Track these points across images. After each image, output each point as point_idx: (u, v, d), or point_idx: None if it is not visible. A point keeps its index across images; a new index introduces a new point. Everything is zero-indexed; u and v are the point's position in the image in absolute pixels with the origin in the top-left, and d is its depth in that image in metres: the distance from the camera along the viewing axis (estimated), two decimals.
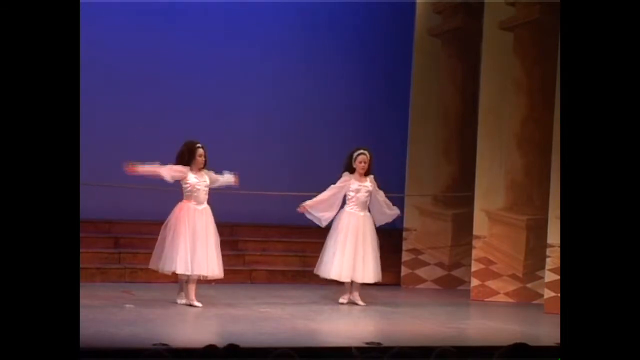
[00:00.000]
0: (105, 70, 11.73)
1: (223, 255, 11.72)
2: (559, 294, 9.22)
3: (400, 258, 11.86)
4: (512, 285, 10.93)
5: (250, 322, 8.74)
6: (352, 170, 10.10)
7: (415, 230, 11.86)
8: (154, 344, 7.08)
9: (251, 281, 11.52)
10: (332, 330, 8.54)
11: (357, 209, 10.08)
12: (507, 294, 10.90)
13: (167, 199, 11.66)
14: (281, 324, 8.72)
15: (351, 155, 10.12)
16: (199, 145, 9.61)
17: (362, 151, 10.10)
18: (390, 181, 12.58)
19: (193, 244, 9.43)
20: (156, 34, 12.08)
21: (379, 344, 7.51)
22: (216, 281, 11.30)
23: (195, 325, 8.49)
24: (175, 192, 11.82)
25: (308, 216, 10.14)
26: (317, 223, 10.18)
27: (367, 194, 10.07)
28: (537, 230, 10.68)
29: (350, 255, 9.98)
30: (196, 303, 9.50)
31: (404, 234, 11.90)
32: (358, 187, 10.06)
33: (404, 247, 11.89)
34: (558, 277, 9.69)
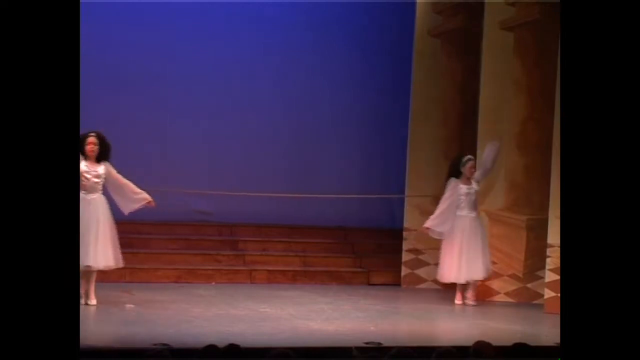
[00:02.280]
0: (106, 70, 11.74)
1: (223, 255, 11.77)
2: (559, 294, 9.23)
3: (400, 258, 11.86)
4: (512, 285, 10.93)
5: (250, 322, 8.74)
6: (458, 175, 10.51)
7: (415, 230, 11.84)
8: (154, 344, 7.08)
9: (251, 281, 11.52)
10: (332, 330, 8.54)
11: (468, 211, 10.52)
12: (507, 294, 10.90)
13: (167, 199, 11.70)
14: (281, 324, 8.71)
15: (459, 161, 10.58)
16: (90, 134, 9.22)
17: (470, 156, 10.61)
18: (391, 181, 12.62)
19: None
20: (158, 33, 12.09)
21: (379, 344, 7.51)
22: (216, 281, 11.33)
23: (195, 325, 8.48)
24: (173, 192, 11.85)
25: (430, 234, 10.63)
26: (438, 237, 10.64)
27: (475, 195, 10.54)
28: (537, 230, 10.68)
29: (467, 257, 10.41)
30: (90, 301, 9.26)
31: (404, 234, 11.91)
32: (467, 190, 10.52)
33: (404, 247, 11.90)
34: (558, 277, 9.69)
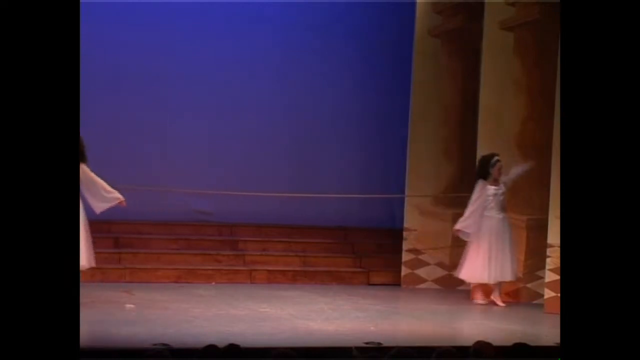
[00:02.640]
0: (106, 70, 11.74)
1: (223, 255, 11.77)
2: (559, 294, 9.22)
3: (400, 258, 11.86)
4: (512, 285, 10.92)
5: (250, 322, 8.74)
6: (486, 176, 10.51)
7: (415, 230, 11.86)
8: (154, 344, 7.08)
9: (251, 281, 11.52)
10: (332, 330, 8.54)
11: (495, 212, 10.53)
12: (507, 294, 10.89)
13: (167, 199, 11.70)
14: (281, 324, 8.72)
15: (487, 162, 10.55)
16: None
17: (498, 157, 10.55)
18: (391, 181, 12.61)
19: None
20: (158, 33, 12.08)
21: (379, 344, 7.51)
22: (216, 281, 11.33)
23: (195, 325, 8.48)
24: (173, 192, 11.85)
25: (460, 235, 10.72)
26: (466, 239, 10.68)
27: (503, 196, 10.54)
28: (537, 230, 10.68)
29: (495, 257, 10.42)
30: None
31: (404, 234, 11.90)
32: (495, 191, 10.53)
33: (404, 247, 11.88)
34: (558, 277, 9.69)
